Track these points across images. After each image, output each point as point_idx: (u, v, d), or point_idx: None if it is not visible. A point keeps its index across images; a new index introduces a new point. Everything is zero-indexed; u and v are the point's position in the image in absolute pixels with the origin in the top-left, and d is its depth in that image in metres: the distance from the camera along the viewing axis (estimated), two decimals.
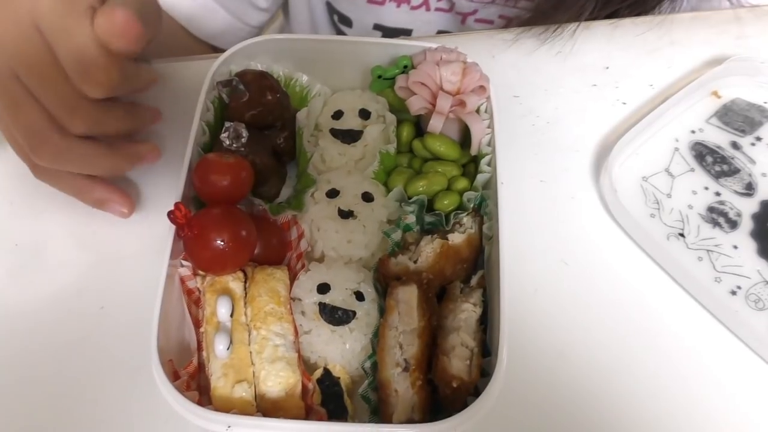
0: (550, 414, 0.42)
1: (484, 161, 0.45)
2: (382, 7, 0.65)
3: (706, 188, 0.50)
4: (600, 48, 0.57)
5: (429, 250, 0.42)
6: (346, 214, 0.44)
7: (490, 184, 0.45)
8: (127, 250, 0.47)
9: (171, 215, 0.38)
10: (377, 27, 0.67)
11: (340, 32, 0.71)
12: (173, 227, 0.41)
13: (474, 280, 0.43)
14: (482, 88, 0.46)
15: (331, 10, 0.69)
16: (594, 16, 0.56)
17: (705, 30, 0.58)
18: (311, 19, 0.72)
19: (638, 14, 0.58)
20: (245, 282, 0.41)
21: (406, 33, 0.67)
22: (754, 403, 0.42)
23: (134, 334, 0.43)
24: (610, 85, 0.55)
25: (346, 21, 0.68)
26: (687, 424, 0.41)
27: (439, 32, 0.67)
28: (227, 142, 0.43)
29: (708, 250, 0.47)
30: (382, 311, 0.41)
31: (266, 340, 0.39)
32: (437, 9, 0.65)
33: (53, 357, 0.43)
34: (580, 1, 0.55)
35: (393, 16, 0.66)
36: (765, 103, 0.53)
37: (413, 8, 0.65)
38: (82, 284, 0.46)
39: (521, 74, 0.55)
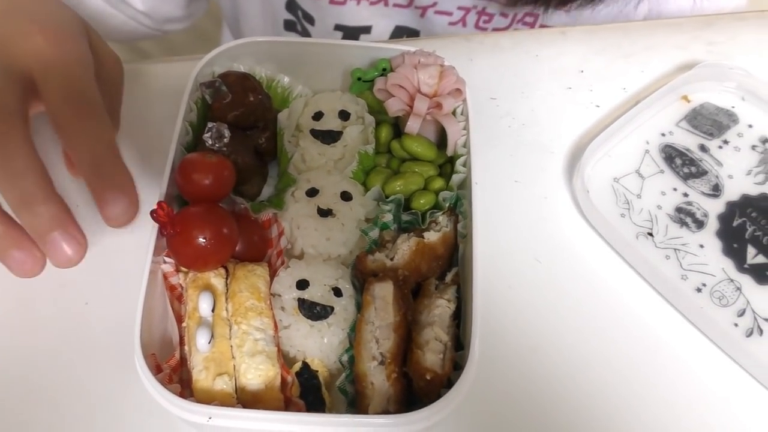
0: (521, 405, 0.43)
1: (459, 162, 0.46)
2: (343, 6, 0.66)
3: (675, 189, 0.51)
4: (576, 51, 0.59)
5: (405, 247, 0.44)
6: (325, 213, 0.45)
7: (465, 184, 0.46)
8: (112, 246, 0.48)
9: (153, 214, 0.39)
10: (338, 27, 0.68)
11: (302, 31, 0.72)
12: (156, 225, 0.42)
13: (448, 277, 0.44)
14: (458, 91, 0.47)
15: (295, 6, 0.70)
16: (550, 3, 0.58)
17: (678, 36, 0.60)
18: (263, 18, 0.73)
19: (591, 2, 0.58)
20: (227, 278, 0.42)
21: (365, 31, 0.68)
22: (716, 392, 0.44)
23: (119, 329, 0.44)
24: (585, 88, 0.57)
25: (309, 19, 0.70)
26: (655, 413, 0.43)
27: (398, 28, 0.68)
28: (210, 142, 0.44)
29: (675, 249, 0.49)
30: (359, 307, 0.42)
31: (246, 334, 0.40)
32: (395, 5, 0.67)
33: (39, 352, 0.44)
34: None
35: (353, 13, 0.67)
36: (732, 107, 0.55)
37: (372, 3, 0.66)
38: (67, 280, 0.47)
39: (499, 77, 0.57)
